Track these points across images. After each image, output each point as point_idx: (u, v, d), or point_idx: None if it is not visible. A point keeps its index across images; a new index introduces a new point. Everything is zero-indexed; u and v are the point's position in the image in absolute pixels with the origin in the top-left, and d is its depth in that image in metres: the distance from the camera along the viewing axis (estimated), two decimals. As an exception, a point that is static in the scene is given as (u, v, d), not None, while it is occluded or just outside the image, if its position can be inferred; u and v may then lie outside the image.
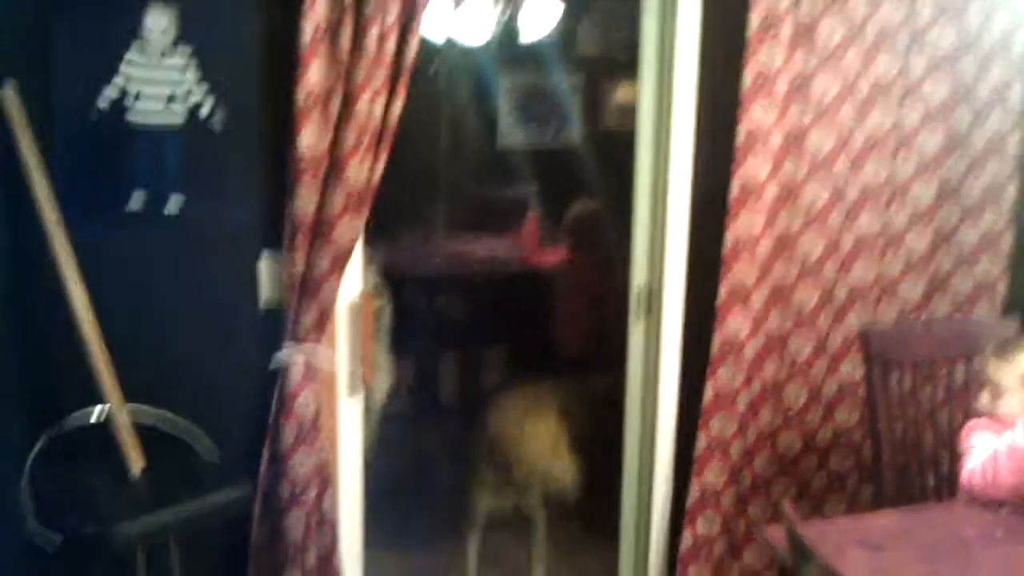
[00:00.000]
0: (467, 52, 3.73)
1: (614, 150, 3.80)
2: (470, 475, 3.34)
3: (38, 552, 2.24)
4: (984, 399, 2.29)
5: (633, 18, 3.03)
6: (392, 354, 3.37)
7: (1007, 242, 3.06)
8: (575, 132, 4.04)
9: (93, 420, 2.25)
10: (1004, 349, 2.28)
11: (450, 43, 3.56)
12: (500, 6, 3.64)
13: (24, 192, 2.10)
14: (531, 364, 3.37)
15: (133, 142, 2.23)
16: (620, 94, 4.01)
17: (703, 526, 2.97)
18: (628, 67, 3.71)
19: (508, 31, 3.62)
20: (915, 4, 2.80)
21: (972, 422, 2.33)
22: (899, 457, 2.62)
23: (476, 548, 3.40)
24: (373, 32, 2.23)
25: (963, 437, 2.32)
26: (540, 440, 3.26)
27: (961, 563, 1.99)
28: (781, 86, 2.71)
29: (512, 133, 4.00)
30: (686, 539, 2.96)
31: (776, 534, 2.08)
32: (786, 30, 2.67)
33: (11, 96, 2.08)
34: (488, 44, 3.68)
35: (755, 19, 2.65)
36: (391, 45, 2.27)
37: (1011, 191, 3.01)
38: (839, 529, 2.14)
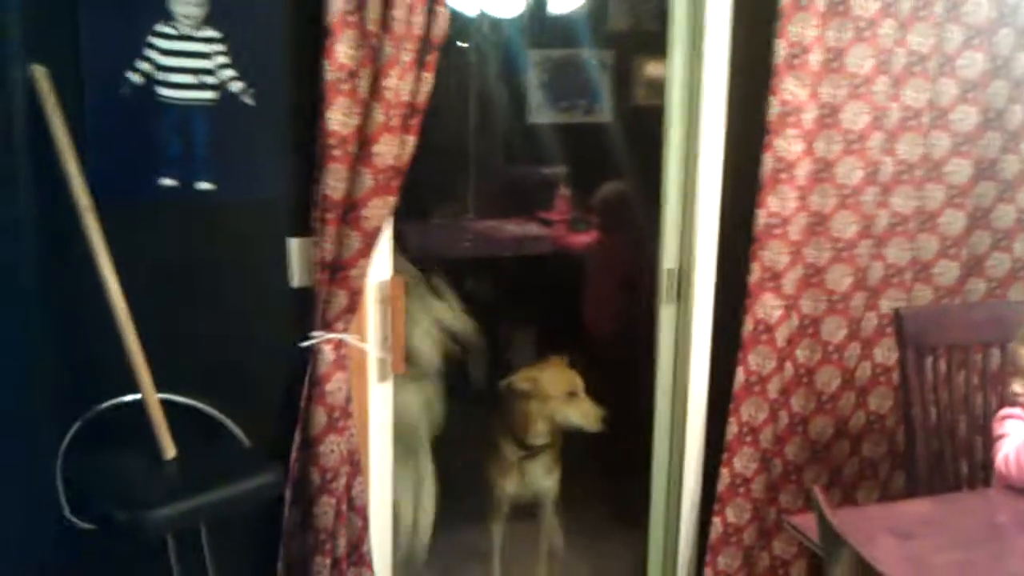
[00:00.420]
0: (496, 26, 3.68)
1: (644, 126, 3.77)
2: (492, 454, 3.33)
3: (72, 537, 2.24)
4: (1017, 386, 2.26)
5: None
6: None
7: None
8: (605, 108, 3.99)
9: (126, 405, 2.25)
10: None
11: (480, 16, 3.52)
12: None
13: (56, 175, 2.09)
14: (559, 346, 3.34)
15: (164, 119, 2.21)
16: (650, 69, 3.96)
17: (733, 514, 2.94)
18: (658, 41, 3.70)
19: (538, 4, 3.57)
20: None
21: (1005, 409, 2.30)
22: (933, 443, 2.59)
23: (501, 532, 3.40)
24: (401, 7, 2.20)
25: (996, 424, 2.28)
26: (557, 384, 3.25)
27: (995, 550, 1.96)
28: (815, 59, 2.66)
29: (542, 109, 3.96)
30: (716, 527, 2.94)
31: (805, 522, 2.06)
32: (819, 1, 2.63)
33: (42, 75, 2.07)
34: (518, 18, 3.63)
35: (787, -9, 2.62)
36: (419, 19, 2.24)
37: (1048, 169, 2.97)
38: (869, 517, 2.12)
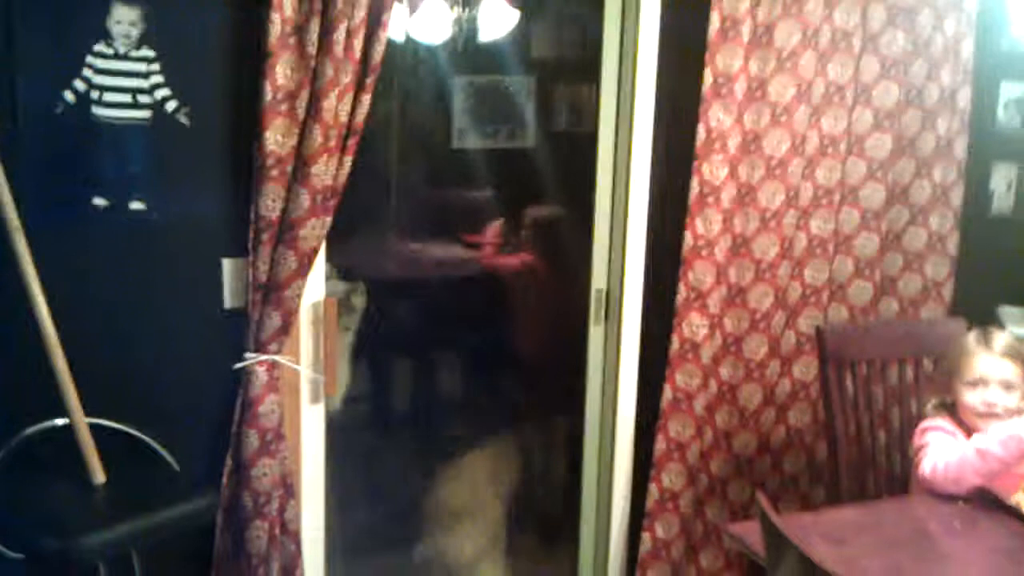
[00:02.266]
0: (422, 52, 3.79)
1: (566, 151, 3.89)
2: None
3: (0, 567, 2.22)
4: (990, 395, 2.35)
5: (586, 21, 3.09)
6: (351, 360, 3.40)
7: (953, 245, 3.21)
8: (528, 133, 4.12)
9: (54, 430, 2.23)
10: (988, 339, 2.40)
11: (407, 43, 3.60)
12: (457, 8, 3.70)
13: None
14: (488, 368, 3.42)
15: (97, 138, 2.21)
16: (571, 95, 4.11)
17: (662, 529, 3.05)
18: (579, 69, 3.82)
19: (463, 32, 3.69)
20: (868, 10, 2.93)
21: (926, 422, 2.45)
22: (853, 454, 2.73)
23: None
24: (341, 30, 2.24)
25: (918, 435, 2.43)
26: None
27: (922, 553, 2.09)
28: (740, 88, 2.81)
29: (466, 134, 4.06)
30: (645, 542, 3.04)
31: (743, 529, 2.17)
32: (745, 32, 2.77)
33: (-30, 93, 2.07)
34: (443, 45, 3.74)
35: (715, 21, 2.75)
36: (359, 43, 2.29)
37: (957, 194, 3.16)
38: (802, 524, 2.20)
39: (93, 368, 2.23)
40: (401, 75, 3.81)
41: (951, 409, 2.43)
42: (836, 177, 3.03)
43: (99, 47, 2.18)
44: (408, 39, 3.56)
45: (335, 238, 2.52)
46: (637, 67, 2.83)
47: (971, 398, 2.37)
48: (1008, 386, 2.35)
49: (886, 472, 2.78)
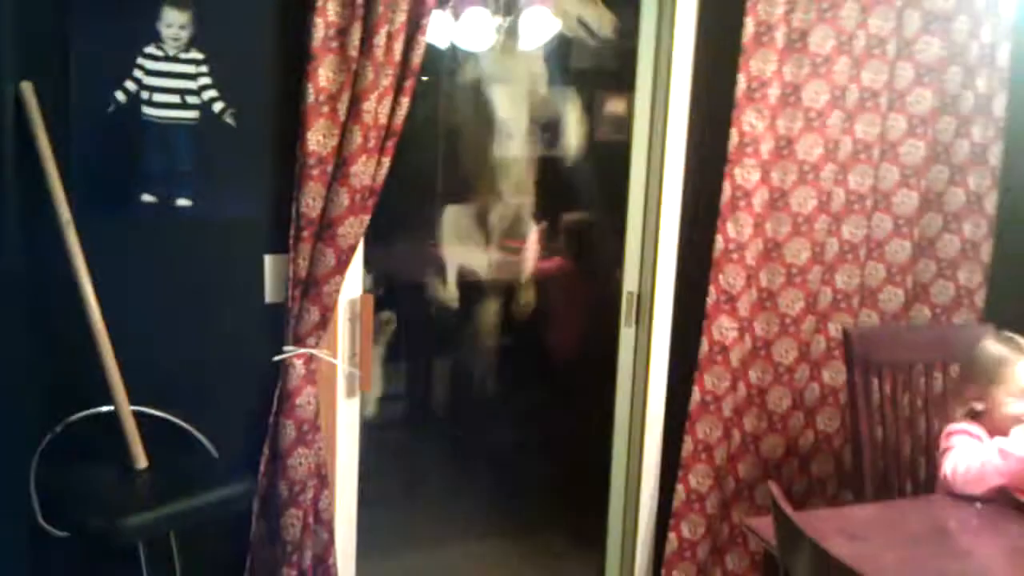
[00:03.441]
0: (465, 60, 3.94)
1: (604, 159, 4.01)
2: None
3: (45, 545, 2.37)
4: (978, 405, 2.48)
5: (623, 31, 3.20)
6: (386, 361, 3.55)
7: (986, 252, 3.28)
8: (568, 143, 4.29)
9: (99, 416, 2.38)
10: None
11: (451, 49, 3.74)
12: (499, 16, 3.83)
13: (40, 190, 2.23)
14: (525, 370, 3.55)
15: (147, 137, 2.36)
16: (609, 106, 4.26)
17: (688, 529, 3.15)
18: (618, 80, 3.93)
19: (505, 41, 3.83)
20: (903, 16, 3.02)
21: (951, 425, 2.54)
22: (879, 461, 2.82)
23: None
24: (382, 33, 2.38)
25: (943, 439, 2.53)
26: None
27: (940, 550, 2.20)
28: (773, 93, 2.91)
29: (507, 142, 4.22)
30: (671, 542, 3.14)
31: (761, 524, 2.28)
32: (779, 37, 2.87)
33: (29, 91, 2.21)
34: (486, 53, 3.88)
35: (749, 26, 2.85)
36: (399, 46, 2.43)
37: (991, 201, 3.23)
38: (820, 519, 2.31)
39: (138, 358, 2.38)
40: (443, 81, 3.97)
41: (979, 416, 2.52)
42: (869, 183, 3.12)
43: (150, 49, 2.33)
44: (452, 46, 3.70)
45: (374, 242, 2.65)
46: (672, 71, 2.95)
47: (1017, 408, 2.44)
48: None
49: (912, 477, 2.86)
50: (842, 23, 2.94)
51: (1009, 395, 2.46)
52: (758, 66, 2.88)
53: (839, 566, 1.67)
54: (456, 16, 3.61)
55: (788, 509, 1.85)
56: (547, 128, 4.24)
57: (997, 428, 2.46)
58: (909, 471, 2.86)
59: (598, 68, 4.27)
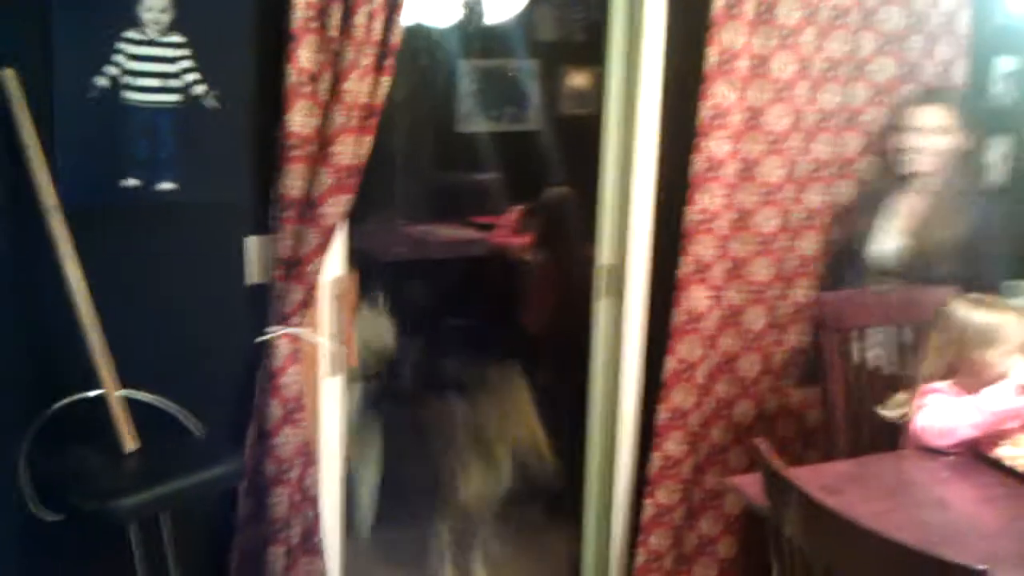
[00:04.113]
0: (429, 35, 3.99)
1: (570, 133, 4.09)
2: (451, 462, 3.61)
3: (38, 528, 2.42)
4: (991, 356, 2.56)
5: (589, 3, 3.28)
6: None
7: None
8: (533, 116, 4.32)
9: (86, 401, 2.43)
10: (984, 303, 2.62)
11: (415, 26, 3.80)
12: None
13: (23, 174, 2.26)
14: (498, 345, 3.64)
15: (129, 121, 2.39)
16: (575, 79, 4.32)
17: (663, 495, 3.27)
18: (583, 52, 4.00)
19: (470, 15, 3.88)
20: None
21: (927, 385, 2.67)
22: (849, 418, 2.96)
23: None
24: (361, 13, 2.43)
25: (917, 395, 2.65)
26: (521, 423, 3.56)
27: (913, 500, 2.35)
28: (743, 65, 3.01)
29: (471, 117, 4.26)
30: (647, 508, 3.26)
31: (744, 481, 2.39)
32: (748, 10, 2.97)
33: (11, 78, 2.23)
34: (449, 28, 3.93)
35: (719, 0, 2.94)
36: (378, 25, 2.48)
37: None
38: (800, 476, 2.40)
39: (124, 341, 2.42)
40: (408, 58, 4.02)
41: (953, 376, 2.65)
42: (832, 151, 3.24)
43: (130, 33, 2.35)
44: (417, 24, 3.75)
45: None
46: (643, 45, 3.03)
47: (1018, 366, 2.54)
48: None
49: (884, 438, 3.00)
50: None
51: (1006, 355, 2.56)
52: (728, 39, 2.97)
53: (831, 515, 1.78)
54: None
55: (779, 464, 1.97)
56: (511, 102, 4.31)
57: (981, 388, 2.56)
58: (881, 428, 2.99)
59: (561, 41, 4.33)
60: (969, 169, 3.10)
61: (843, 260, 3.17)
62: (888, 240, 3.09)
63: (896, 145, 3.09)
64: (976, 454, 2.48)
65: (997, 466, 2.42)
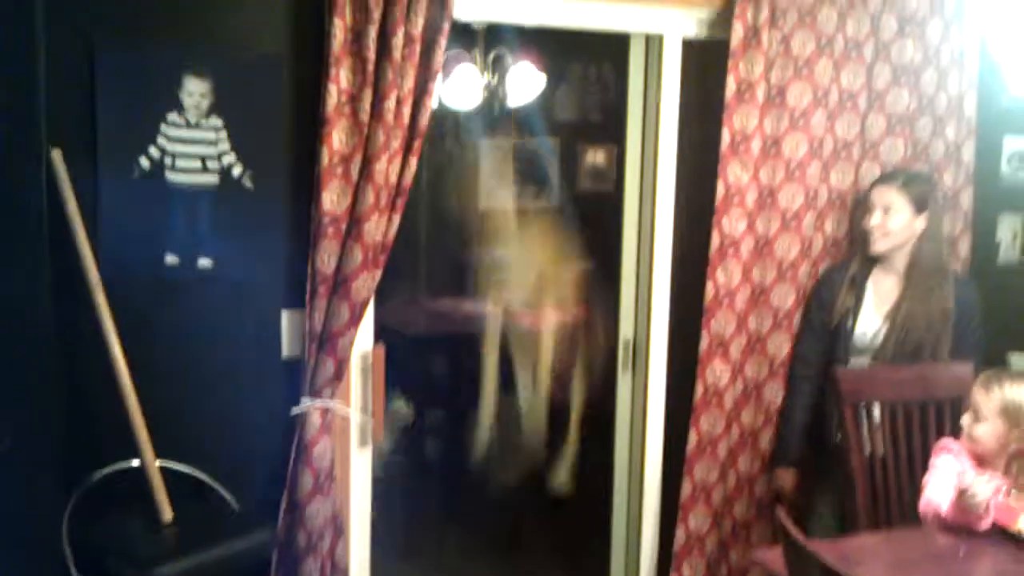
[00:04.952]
0: (452, 116, 4.17)
1: (588, 209, 4.23)
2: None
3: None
4: (966, 419, 2.71)
5: (606, 85, 3.43)
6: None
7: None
8: (554, 194, 4.48)
9: (126, 470, 2.54)
10: (989, 381, 2.70)
11: (440, 108, 3.97)
12: (487, 75, 4.07)
13: (69, 253, 2.40)
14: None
15: (169, 201, 2.55)
16: (592, 157, 4.49)
17: (688, 572, 3.32)
18: (600, 131, 4.15)
19: (492, 99, 4.06)
20: (873, 69, 3.26)
21: (943, 441, 2.76)
22: (869, 489, 3.01)
23: None
24: (392, 98, 2.60)
25: (933, 453, 2.75)
26: None
27: (932, 572, 2.41)
28: (756, 146, 3.14)
29: (493, 194, 4.43)
30: (673, 584, 3.32)
31: (768, 555, 2.45)
32: (760, 95, 3.12)
33: (59, 159, 2.39)
34: (472, 110, 4.11)
35: (731, 84, 3.09)
36: (407, 110, 2.64)
37: (965, 245, 3.48)
38: (821, 549, 2.49)
39: (162, 413, 2.54)
40: (433, 139, 4.20)
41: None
42: (844, 230, 3.35)
43: (172, 116, 2.52)
44: (441, 104, 3.92)
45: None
46: (660, 128, 3.19)
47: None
48: None
49: (900, 505, 3.05)
50: (817, 79, 3.18)
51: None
52: (741, 121, 3.12)
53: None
54: (445, 75, 3.81)
55: (797, 534, 2.03)
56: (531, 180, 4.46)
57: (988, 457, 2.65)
58: (896, 498, 3.04)
59: (581, 120, 4.50)
60: (936, 249, 3.16)
61: (817, 335, 3.25)
62: (862, 320, 3.19)
63: (862, 224, 3.18)
64: (997, 530, 2.52)
65: (1015, 539, 2.47)
